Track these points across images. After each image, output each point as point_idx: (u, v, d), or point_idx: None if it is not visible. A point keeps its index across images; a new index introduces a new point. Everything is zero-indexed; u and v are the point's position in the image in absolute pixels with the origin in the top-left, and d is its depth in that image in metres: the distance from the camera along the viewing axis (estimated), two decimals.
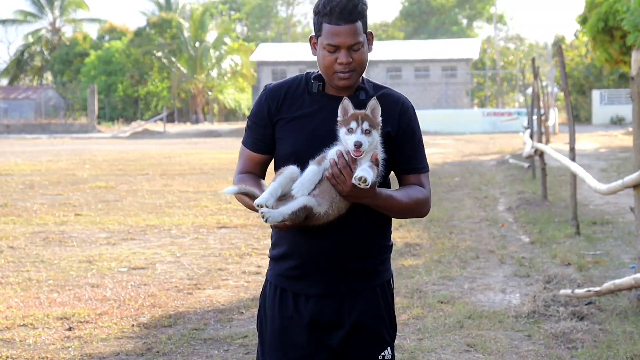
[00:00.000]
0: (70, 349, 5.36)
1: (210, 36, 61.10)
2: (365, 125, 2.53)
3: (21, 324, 5.94)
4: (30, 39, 68.19)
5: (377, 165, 2.54)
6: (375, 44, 66.72)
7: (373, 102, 2.59)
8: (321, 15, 2.66)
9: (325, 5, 2.65)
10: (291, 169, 2.61)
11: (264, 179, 2.87)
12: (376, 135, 2.56)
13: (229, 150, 28.91)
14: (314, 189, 2.58)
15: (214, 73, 61.57)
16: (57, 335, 5.66)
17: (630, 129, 24.49)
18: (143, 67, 61.96)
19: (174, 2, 65.46)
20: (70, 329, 5.80)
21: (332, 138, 2.62)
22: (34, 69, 69.99)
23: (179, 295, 6.84)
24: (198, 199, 13.65)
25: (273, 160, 2.83)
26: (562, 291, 6.44)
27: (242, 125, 55.38)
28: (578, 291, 6.27)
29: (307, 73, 2.82)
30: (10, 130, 49.46)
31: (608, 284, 6.02)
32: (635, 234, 6.22)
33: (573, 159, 9.52)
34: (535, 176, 15.85)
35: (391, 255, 2.89)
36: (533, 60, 16.33)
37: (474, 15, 77.07)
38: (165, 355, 5.27)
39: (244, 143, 2.84)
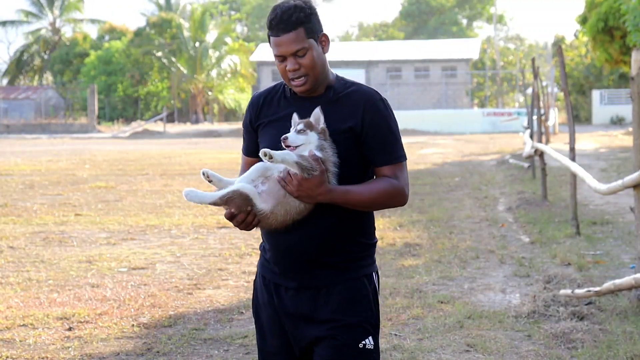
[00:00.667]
0: (70, 349, 5.36)
1: (210, 36, 61.10)
2: (300, 127, 2.70)
3: (21, 324, 5.94)
4: (30, 39, 68.20)
5: (317, 162, 2.65)
6: (375, 44, 66.64)
7: (316, 111, 2.75)
8: (268, 29, 2.83)
9: (268, 20, 2.81)
10: (252, 167, 2.78)
11: None
12: (312, 136, 2.69)
13: (229, 150, 28.92)
14: (263, 189, 2.71)
15: (214, 73, 61.57)
16: (57, 335, 5.66)
17: (630, 129, 24.49)
18: (143, 67, 61.96)
19: (173, 2, 65.46)
20: (70, 329, 5.80)
21: None
22: (34, 69, 69.98)
23: (179, 295, 6.84)
24: None
25: None
26: (562, 291, 6.44)
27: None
28: (578, 291, 6.27)
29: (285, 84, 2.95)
30: (10, 130, 49.46)
31: (608, 284, 6.02)
32: (635, 234, 6.22)
33: (573, 159, 9.52)
34: (535, 176, 15.85)
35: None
36: (533, 60, 16.33)
37: (473, 15, 77.07)
38: (165, 355, 5.27)
39: (242, 149, 3.06)
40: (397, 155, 2.85)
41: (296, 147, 2.68)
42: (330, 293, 2.84)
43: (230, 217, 2.70)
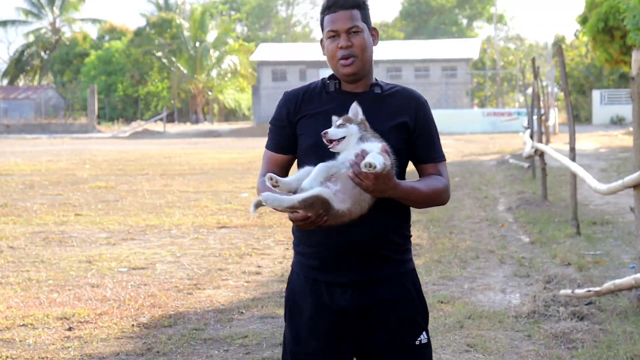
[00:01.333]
0: (70, 349, 5.36)
1: (210, 36, 61.11)
2: (340, 122, 2.68)
3: (21, 324, 5.94)
4: (30, 39, 68.19)
5: (388, 154, 2.61)
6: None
7: (354, 105, 2.73)
8: (323, 12, 2.87)
9: (326, 2, 2.86)
10: (307, 168, 2.71)
11: None
12: (353, 128, 2.67)
13: (229, 150, 28.92)
14: (337, 188, 2.65)
15: (214, 73, 61.58)
16: (57, 335, 5.66)
17: (631, 129, 24.50)
18: (143, 67, 61.98)
19: (173, 2, 65.45)
20: (70, 329, 5.80)
21: None
22: (34, 69, 69.99)
23: (179, 295, 6.84)
24: (198, 199, 13.65)
25: (296, 159, 2.93)
26: (562, 291, 6.44)
27: (242, 125, 55.42)
28: (578, 291, 6.27)
29: (323, 78, 2.95)
30: (10, 130, 49.47)
31: (608, 284, 6.02)
32: (635, 234, 6.22)
33: (573, 159, 9.52)
34: (535, 176, 15.85)
35: None
36: (533, 60, 16.33)
37: (473, 15, 77.06)
38: (165, 355, 5.27)
39: (267, 146, 2.98)
40: (442, 154, 2.94)
41: (338, 140, 2.65)
42: (386, 287, 2.83)
43: (303, 219, 2.62)
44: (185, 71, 60.23)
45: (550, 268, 7.67)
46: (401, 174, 2.83)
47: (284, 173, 2.95)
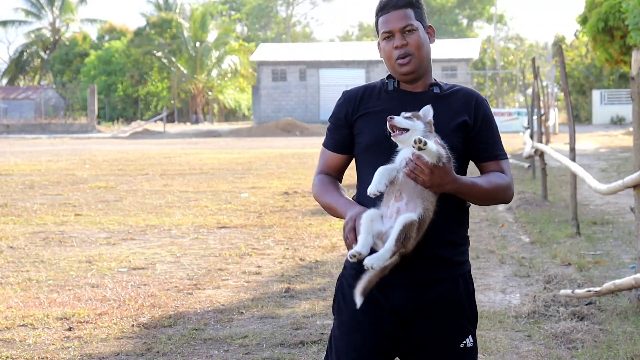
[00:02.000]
0: (70, 349, 5.36)
1: (211, 36, 61.12)
2: (408, 114, 2.65)
3: (21, 324, 5.93)
4: (30, 39, 68.20)
5: (445, 149, 2.60)
6: (376, 44, 67.25)
7: (427, 107, 2.71)
8: (377, 13, 2.88)
9: (380, 3, 2.87)
10: (370, 213, 2.64)
11: (341, 181, 2.98)
12: (419, 124, 2.64)
13: (229, 150, 28.93)
14: (404, 201, 2.63)
15: (214, 73, 61.58)
16: (57, 335, 5.66)
17: (631, 129, 24.49)
18: (143, 67, 61.99)
19: (172, 2, 65.45)
20: (70, 329, 5.80)
21: None
22: (34, 69, 70.00)
23: (179, 295, 6.84)
24: (198, 199, 13.65)
25: (354, 158, 2.93)
26: (562, 291, 6.44)
27: (242, 125, 55.42)
28: (578, 291, 6.27)
29: (382, 78, 2.95)
30: (10, 130, 49.47)
31: (608, 284, 6.01)
32: (635, 234, 6.22)
33: (573, 159, 9.52)
34: (535, 176, 15.84)
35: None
36: (533, 60, 16.33)
37: (474, 15, 77.08)
38: (165, 355, 5.26)
39: (325, 144, 2.97)
40: (504, 152, 2.93)
41: (401, 130, 2.61)
42: (437, 291, 2.80)
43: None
44: (185, 71, 60.23)
45: (550, 268, 7.67)
46: (462, 174, 2.81)
47: (340, 174, 2.96)
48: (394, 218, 2.62)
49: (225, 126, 54.64)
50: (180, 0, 65.98)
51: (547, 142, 20.70)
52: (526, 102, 26.61)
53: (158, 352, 5.31)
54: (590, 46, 27.52)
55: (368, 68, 52.44)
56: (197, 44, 60.13)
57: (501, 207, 12.44)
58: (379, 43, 2.89)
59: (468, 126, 2.84)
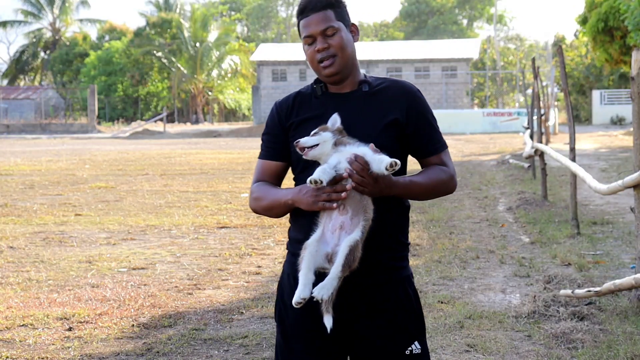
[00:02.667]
0: (70, 349, 5.36)
1: (211, 36, 61.12)
2: (314, 131, 2.67)
3: (21, 324, 5.93)
4: (30, 39, 68.20)
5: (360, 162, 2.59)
6: (375, 44, 66.72)
7: (334, 116, 2.71)
8: (297, 17, 2.82)
9: (298, 9, 2.82)
10: (311, 243, 2.63)
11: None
12: (326, 135, 2.65)
13: (229, 150, 28.93)
14: (347, 212, 2.62)
15: (214, 73, 61.58)
16: (57, 335, 5.66)
17: (631, 129, 24.49)
18: (143, 67, 62.00)
19: (173, 2, 65.45)
20: (70, 329, 5.80)
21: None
22: (34, 69, 70.00)
23: (179, 295, 6.84)
24: (198, 199, 13.65)
25: (290, 167, 2.88)
26: (563, 291, 6.43)
27: (242, 125, 55.41)
28: (578, 291, 6.27)
29: (312, 83, 2.90)
30: (10, 130, 49.47)
31: (608, 284, 6.01)
32: (635, 234, 6.22)
33: (573, 159, 9.52)
34: (535, 176, 15.84)
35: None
36: (533, 60, 16.33)
37: (473, 15, 77.08)
38: (165, 355, 5.26)
39: (260, 157, 2.92)
40: (442, 143, 2.87)
41: (310, 147, 2.62)
42: (374, 295, 2.75)
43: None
44: (185, 71, 60.23)
45: (550, 268, 7.67)
46: (399, 173, 2.75)
47: (278, 181, 2.90)
48: (337, 234, 2.60)
49: (225, 126, 54.63)
50: (181, 0, 65.98)
51: (547, 142, 20.71)
52: (526, 102, 26.65)
53: (158, 352, 5.31)
54: (590, 46, 27.52)
55: (368, 68, 52.42)
56: (197, 44, 60.12)
57: (501, 207, 12.44)
58: (304, 46, 2.84)
59: (400, 124, 2.77)
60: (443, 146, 2.86)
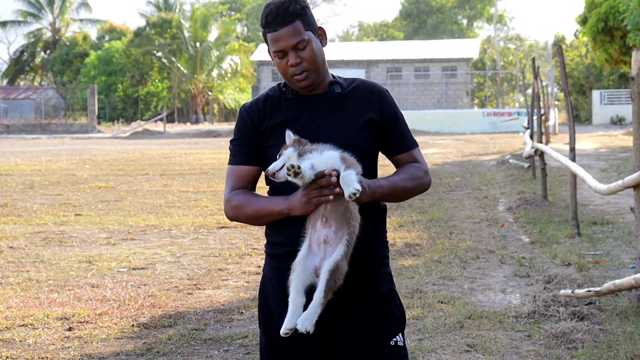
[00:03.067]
0: (70, 349, 5.36)
1: (211, 36, 61.12)
2: (278, 154, 2.64)
3: (21, 324, 5.94)
4: (30, 39, 68.20)
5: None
6: (375, 44, 66.64)
7: (287, 133, 2.68)
8: (264, 27, 2.74)
9: (263, 17, 2.73)
10: (298, 265, 2.62)
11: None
12: (288, 152, 2.62)
13: (228, 150, 28.89)
14: (330, 225, 2.61)
15: (214, 73, 61.58)
16: (57, 335, 5.66)
17: (631, 129, 24.49)
18: (143, 67, 61.98)
19: (172, 2, 65.44)
20: (70, 329, 5.80)
21: (316, 137, 2.68)
22: (34, 69, 69.99)
23: (179, 295, 6.84)
24: (198, 199, 13.65)
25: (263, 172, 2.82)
26: (562, 291, 6.44)
27: None
28: (578, 291, 6.27)
29: (279, 84, 2.86)
30: (10, 130, 49.47)
31: (608, 284, 6.01)
32: (635, 234, 6.22)
33: (573, 159, 9.52)
34: (535, 176, 15.84)
35: (391, 255, 2.89)
36: (533, 60, 16.33)
37: (473, 15, 77.07)
38: (165, 355, 5.27)
39: (230, 163, 2.85)
40: (413, 141, 2.88)
41: (279, 170, 2.59)
42: (357, 292, 2.76)
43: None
44: (185, 71, 60.24)
45: (550, 268, 7.67)
46: (373, 172, 2.78)
47: (253, 187, 2.85)
48: (322, 248, 2.60)
49: (225, 126, 54.62)
50: (181, 0, 65.96)
51: (547, 142, 20.71)
52: (526, 102, 26.66)
53: (158, 352, 5.31)
54: (590, 46, 27.52)
55: (368, 68, 52.42)
56: (197, 44, 60.12)
57: (501, 207, 12.44)
58: (270, 53, 2.78)
59: (375, 123, 2.77)
60: (414, 144, 2.87)
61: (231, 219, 2.82)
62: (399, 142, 2.84)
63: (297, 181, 2.57)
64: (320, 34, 2.79)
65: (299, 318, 2.55)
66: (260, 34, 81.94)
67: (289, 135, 2.68)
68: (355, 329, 2.76)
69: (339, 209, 2.60)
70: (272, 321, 2.82)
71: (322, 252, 2.61)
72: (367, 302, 2.78)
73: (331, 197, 2.56)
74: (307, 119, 2.75)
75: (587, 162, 18.80)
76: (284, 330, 2.57)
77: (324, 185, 2.55)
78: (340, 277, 2.58)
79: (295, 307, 2.59)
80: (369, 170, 2.73)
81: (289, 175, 2.51)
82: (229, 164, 2.86)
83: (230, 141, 2.86)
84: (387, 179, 2.75)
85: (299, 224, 2.67)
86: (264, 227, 2.87)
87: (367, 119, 2.76)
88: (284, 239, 2.75)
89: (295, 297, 2.60)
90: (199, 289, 7.09)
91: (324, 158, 2.59)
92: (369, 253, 2.78)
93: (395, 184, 2.74)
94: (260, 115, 2.79)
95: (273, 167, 2.61)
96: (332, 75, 2.85)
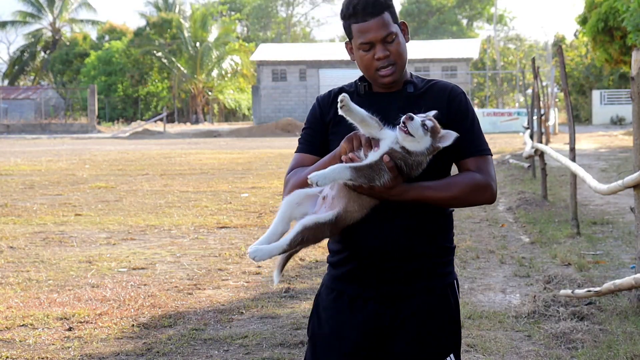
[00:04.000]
0: (70, 349, 5.36)
1: (211, 36, 61.15)
2: (430, 123, 2.49)
3: (21, 324, 5.93)
4: (30, 40, 68.21)
5: (392, 170, 2.49)
6: None
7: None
8: (347, 17, 2.64)
9: (348, 6, 2.62)
10: (297, 195, 2.58)
11: None
12: (426, 141, 2.49)
13: (229, 150, 28.93)
14: (333, 194, 2.56)
15: (214, 73, 61.59)
16: (57, 335, 5.66)
17: (631, 129, 24.49)
18: (143, 67, 62.00)
19: (172, 3, 65.46)
20: (70, 329, 5.80)
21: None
22: (34, 69, 69.99)
23: (179, 295, 6.84)
24: (198, 199, 13.65)
25: None
26: (562, 291, 6.44)
27: (242, 125, 55.39)
28: (578, 291, 6.27)
29: (356, 80, 2.79)
30: (10, 130, 49.48)
31: (608, 284, 6.01)
32: (635, 234, 6.22)
33: (573, 159, 9.52)
34: (535, 176, 15.84)
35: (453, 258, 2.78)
36: (533, 60, 16.32)
37: (473, 15, 77.08)
38: (165, 355, 5.26)
39: (297, 151, 2.79)
40: (481, 147, 2.67)
41: (412, 135, 2.44)
42: (412, 305, 2.63)
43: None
44: (185, 71, 60.24)
45: (550, 268, 7.67)
46: (441, 173, 2.64)
47: None
48: (320, 202, 2.56)
49: (225, 126, 54.63)
50: (181, 0, 65.99)
51: (547, 142, 20.71)
52: (526, 102, 26.65)
53: (158, 352, 5.31)
54: (590, 46, 27.51)
55: None
56: (197, 44, 60.13)
57: (501, 207, 12.44)
58: (347, 44, 2.68)
59: (441, 123, 2.60)
60: (482, 151, 2.65)
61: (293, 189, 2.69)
62: (465, 145, 2.63)
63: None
64: (404, 29, 2.70)
65: (254, 245, 2.49)
66: (261, 34, 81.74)
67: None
68: (402, 347, 2.64)
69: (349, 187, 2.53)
70: (319, 334, 2.73)
71: (318, 206, 2.57)
72: (419, 318, 2.64)
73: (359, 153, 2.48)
74: (375, 114, 2.61)
75: (587, 162, 18.80)
76: (250, 248, 2.50)
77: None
78: (311, 238, 2.52)
79: (272, 232, 2.53)
80: (436, 173, 2.59)
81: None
82: (295, 151, 2.81)
83: (302, 129, 2.81)
84: (424, 182, 2.56)
85: (358, 234, 2.59)
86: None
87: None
88: (344, 250, 2.67)
89: (277, 223, 2.53)
90: (199, 289, 7.09)
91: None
92: (428, 260, 2.65)
93: (428, 188, 2.56)
94: (329, 109, 2.73)
95: (415, 129, 2.45)
96: (410, 75, 2.75)
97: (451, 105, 2.67)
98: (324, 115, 2.74)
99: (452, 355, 2.68)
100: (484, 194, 2.61)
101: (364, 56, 2.62)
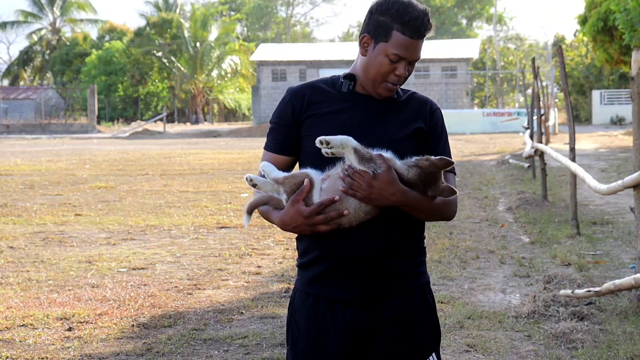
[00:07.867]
0: (70, 349, 5.36)
1: (211, 36, 61.16)
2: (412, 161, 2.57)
3: (21, 324, 5.94)
4: (31, 40, 68.21)
5: (382, 159, 2.49)
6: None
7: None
8: (394, 20, 2.58)
9: (402, 13, 2.58)
10: (308, 172, 2.57)
11: None
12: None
13: (229, 150, 28.92)
14: (323, 187, 2.56)
15: (214, 73, 61.60)
16: (57, 335, 5.66)
17: (630, 129, 24.48)
18: (143, 67, 62.00)
19: (172, 3, 65.47)
20: (70, 329, 5.80)
21: (360, 134, 2.54)
22: (34, 69, 70.00)
23: (179, 295, 6.84)
24: (198, 199, 13.65)
25: (298, 162, 2.73)
26: (562, 291, 6.44)
27: (242, 125, 55.42)
28: (578, 291, 6.27)
29: (333, 76, 2.74)
30: (10, 130, 49.47)
31: (608, 284, 6.01)
32: (635, 234, 6.22)
33: (573, 159, 9.52)
34: (535, 176, 15.85)
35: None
36: (533, 60, 16.32)
37: (473, 15, 77.08)
38: (165, 355, 5.27)
39: (266, 147, 2.75)
40: (452, 164, 2.66)
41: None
42: (392, 306, 2.62)
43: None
44: (185, 71, 60.25)
45: (550, 268, 7.67)
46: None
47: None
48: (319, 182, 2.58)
49: (225, 126, 54.64)
50: (181, 0, 66.01)
51: (547, 142, 20.71)
52: (526, 102, 26.64)
53: (158, 352, 5.31)
54: (590, 46, 27.52)
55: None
56: (198, 44, 60.14)
57: (501, 207, 12.44)
58: (365, 37, 2.62)
59: (423, 133, 2.66)
60: (453, 169, 2.66)
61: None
62: None
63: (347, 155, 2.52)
64: None
65: (252, 175, 2.64)
66: (261, 34, 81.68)
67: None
68: (384, 348, 2.62)
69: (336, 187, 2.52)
70: (299, 341, 2.68)
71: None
72: (402, 320, 2.64)
73: (343, 218, 2.51)
74: (354, 115, 2.62)
75: (587, 162, 18.80)
76: (246, 176, 2.64)
77: (333, 217, 2.52)
78: (298, 192, 2.54)
79: (265, 179, 2.63)
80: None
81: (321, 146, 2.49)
82: (264, 147, 2.78)
83: (270, 121, 2.74)
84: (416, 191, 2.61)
85: (333, 235, 2.56)
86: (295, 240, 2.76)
87: (416, 127, 2.65)
88: (317, 250, 2.64)
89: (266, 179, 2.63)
90: (199, 289, 7.09)
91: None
92: (406, 261, 2.65)
93: (426, 196, 2.58)
94: (303, 103, 2.66)
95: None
96: None
97: (432, 118, 2.71)
98: (295, 111, 2.67)
99: (433, 355, 2.69)
100: (454, 209, 2.67)
101: (385, 64, 2.60)
